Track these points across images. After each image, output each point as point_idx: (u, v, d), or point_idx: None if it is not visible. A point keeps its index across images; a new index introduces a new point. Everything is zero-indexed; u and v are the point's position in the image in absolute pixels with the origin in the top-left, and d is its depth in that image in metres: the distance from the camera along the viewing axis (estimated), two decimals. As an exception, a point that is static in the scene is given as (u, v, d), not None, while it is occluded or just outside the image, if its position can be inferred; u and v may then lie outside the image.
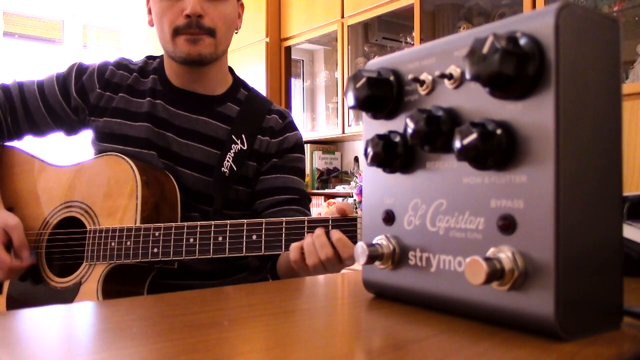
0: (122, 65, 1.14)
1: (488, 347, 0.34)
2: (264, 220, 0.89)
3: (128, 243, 0.95)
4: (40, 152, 1.17)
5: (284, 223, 0.88)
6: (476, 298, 0.38)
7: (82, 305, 0.48)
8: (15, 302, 1.08)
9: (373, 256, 0.45)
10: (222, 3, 1.05)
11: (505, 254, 0.35)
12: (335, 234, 0.82)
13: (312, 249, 0.83)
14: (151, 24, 1.11)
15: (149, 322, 0.42)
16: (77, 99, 1.11)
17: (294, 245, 0.85)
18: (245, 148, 1.09)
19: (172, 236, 0.93)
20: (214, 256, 0.91)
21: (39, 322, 0.41)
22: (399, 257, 0.45)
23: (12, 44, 3.36)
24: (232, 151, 1.08)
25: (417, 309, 0.43)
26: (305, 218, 0.88)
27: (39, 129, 1.15)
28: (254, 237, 0.89)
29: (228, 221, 0.91)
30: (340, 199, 3.15)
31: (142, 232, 0.95)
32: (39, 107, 1.12)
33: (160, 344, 0.35)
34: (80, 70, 1.13)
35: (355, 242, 0.82)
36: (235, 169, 1.08)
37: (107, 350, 0.33)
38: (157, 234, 0.94)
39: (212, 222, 0.92)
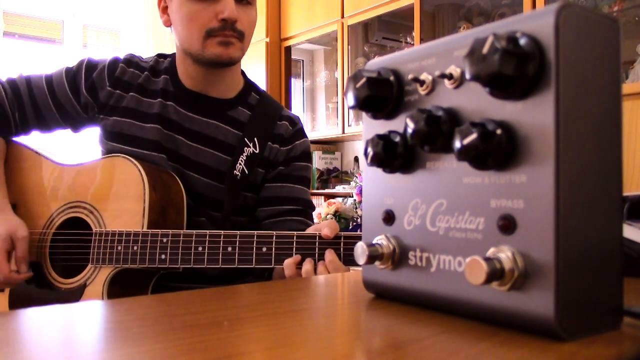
0: (133, 62, 1.13)
1: (488, 347, 0.34)
2: (274, 232, 0.89)
3: (135, 248, 0.95)
4: (47, 148, 1.16)
5: (295, 237, 0.88)
6: (476, 298, 0.38)
7: (82, 305, 0.48)
8: (19, 301, 1.08)
9: (373, 256, 0.45)
10: (251, 8, 1.07)
11: (505, 254, 0.35)
12: (329, 256, 0.84)
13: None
14: (167, 24, 1.10)
15: (149, 322, 0.42)
16: (87, 96, 1.10)
17: (289, 262, 0.86)
18: (257, 152, 1.08)
19: (180, 244, 0.93)
20: (223, 266, 0.91)
21: (39, 322, 0.41)
22: (399, 257, 0.45)
23: (12, 44, 3.35)
24: (244, 154, 1.07)
25: (417, 309, 0.43)
26: (317, 233, 0.87)
27: (47, 125, 1.14)
28: (264, 249, 0.89)
29: (238, 232, 0.90)
30: (340, 199, 3.15)
31: (149, 238, 0.94)
32: (48, 104, 1.11)
33: (160, 344, 0.35)
34: (90, 66, 1.11)
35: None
36: (246, 172, 1.07)
37: (107, 350, 0.33)
38: (164, 240, 0.93)
39: (222, 232, 0.91)
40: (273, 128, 1.12)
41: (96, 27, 3.72)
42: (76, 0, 3.60)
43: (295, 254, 0.87)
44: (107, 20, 3.73)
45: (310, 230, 0.90)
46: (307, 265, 0.85)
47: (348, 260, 0.84)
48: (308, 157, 1.16)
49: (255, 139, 1.09)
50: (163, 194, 1.00)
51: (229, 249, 0.90)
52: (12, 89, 1.12)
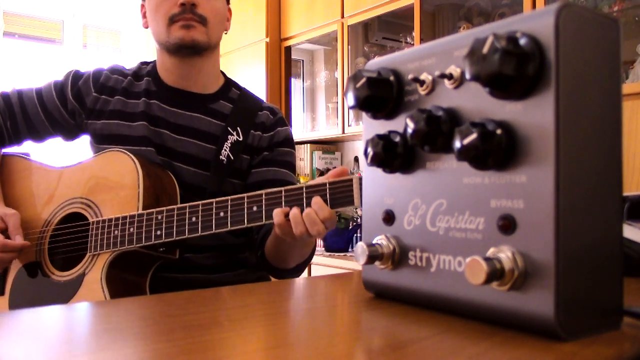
0: (117, 70, 1.20)
1: (488, 347, 0.34)
2: (263, 191, 0.92)
3: (131, 229, 0.98)
4: (40, 156, 1.21)
5: (282, 191, 0.90)
6: (476, 298, 0.38)
7: (82, 305, 0.48)
8: (19, 298, 1.09)
9: (373, 256, 0.45)
10: None
11: (505, 254, 0.35)
12: (314, 199, 0.87)
13: (299, 220, 0.87)
14: (146, 26, 1.17)
15: (149, 322, 0.42)
16: (73, 103, 1.16)
17: (277, 211, 0.88)
18: (241, 139, 1.13)
19: (175, 217, 0.96)
20: (216, 231, 0.93)
21: (39, 322, 0.41)
22: (399, 257, 0.45)
23: (12, 44, 3.36)
24: (228, 141, 1.12)
25: (417, 309, 0.43)
26: (303, 184, 0.90)
27: (38, 134, 1.19)
28: (255, 208, 0.91)
29: (229, 197, 0.93)
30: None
31: (145, 217, 0.97)
32: (38, 112, 1.17)
33: (160, 344, 0.35)
34: (76, 76, 1.18)
35: (352, 204, 0.84)
36: (232, 158, 1.12)
37: (107, 350, 0.33)
38: (159, 217, 0.97)
39: (214, 200, 0.94)
40: (255, 117, 1.18)
41: (96, 27, 3.72)
42: (76, 0, 3.60)
43: (284, 207, 0.90)
44: (107, 20, 3.73)
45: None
46: (294, 210, 0.88)
47: (335, 204, 0.87)
48: (291, 144, 1.22)
49: (238, 127, 1.15)
50: (156, 183, 1.04)
51: (221, 214, 0.93)
52: (4, 100, 1.19)
